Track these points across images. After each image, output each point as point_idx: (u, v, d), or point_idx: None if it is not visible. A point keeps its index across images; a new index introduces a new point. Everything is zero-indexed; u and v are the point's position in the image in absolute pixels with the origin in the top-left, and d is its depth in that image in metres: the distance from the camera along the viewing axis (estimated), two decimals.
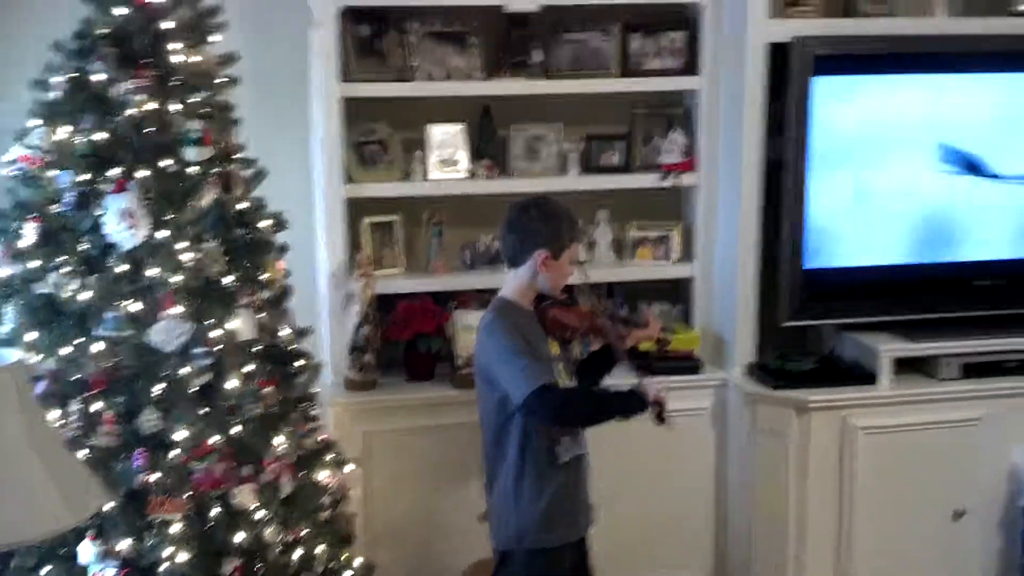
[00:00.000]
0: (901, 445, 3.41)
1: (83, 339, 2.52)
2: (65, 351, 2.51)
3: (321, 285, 3.51)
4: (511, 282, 2.78)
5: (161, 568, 2.38)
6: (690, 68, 3.62)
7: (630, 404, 2.67)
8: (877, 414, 3.39)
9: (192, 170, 2.63)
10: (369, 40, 3.47)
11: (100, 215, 2.53)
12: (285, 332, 2.89)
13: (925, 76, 3.42)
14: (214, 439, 2.52)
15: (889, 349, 3.43)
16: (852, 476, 3.39)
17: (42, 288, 2.54)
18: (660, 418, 2.65)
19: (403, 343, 3.48)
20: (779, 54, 3.35)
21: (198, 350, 2.54)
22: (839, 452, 3.39)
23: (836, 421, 3.37)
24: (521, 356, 2.60)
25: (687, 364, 3.53)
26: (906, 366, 3.48)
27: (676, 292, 3.82)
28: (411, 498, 3.37)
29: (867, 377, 3.44)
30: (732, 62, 3.46)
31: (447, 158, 3.55)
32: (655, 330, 2.96)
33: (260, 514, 2.56)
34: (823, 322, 3.63)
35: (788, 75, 3.33)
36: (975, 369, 3.47)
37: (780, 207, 3.41)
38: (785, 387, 3.39)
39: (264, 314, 2.78)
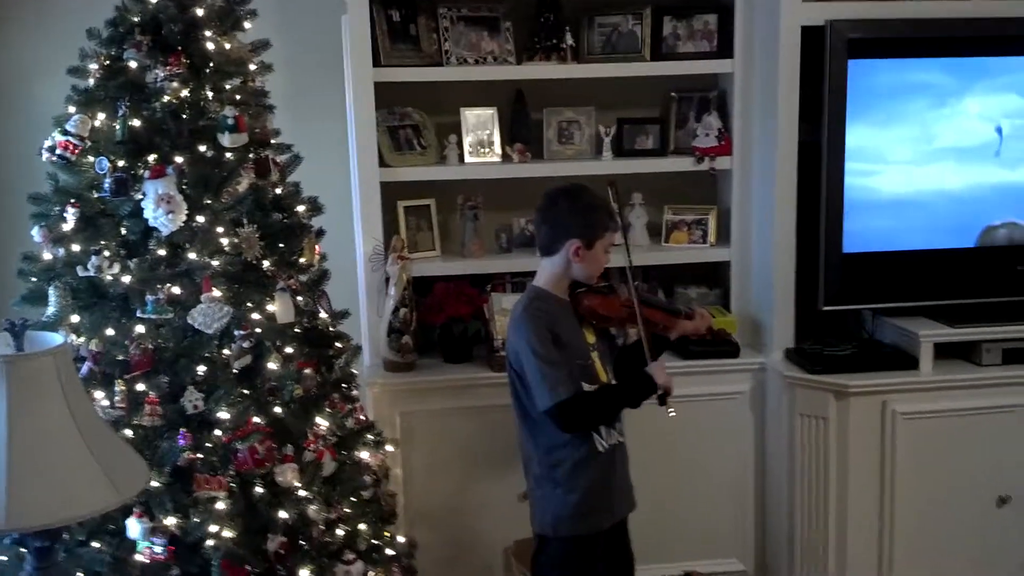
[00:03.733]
0: (943, 431, 3.35)
1: (125, 321, 2.53)
2: (108, 333, 2.53)
3: (359, 268, 3.52)
4: (545, 271, 2.74)
5: (207, 544, 2.39)
6: (723, 51, 3.58)
7: (641, 391, 2.68)
8: (918, 399, 3.34)
9: (228, 156, 2.63)
10: (401, 25, 3.47)
11: (139, 200, 2.53)
12: (323, 315, 2.89)
13: (961, 59, 3.36)
14: (256, 419, 2.52)
15: (929, 334, 3.38)
16: (893, 461, 3.35)
17: (84, 271, 2.55)
18: (662, 401, 2.67)
19: (439, 326, 3.47)
20: (812, 37, 3.31)
21: (238, 332, 2.54)
22: (879, 437, 3.34)
23: (876, 406, 3.32)
24: (544, 361, 2.57)
25: (726, 348, 3.49)
26: (947, 352, 3.42)
27: (713, 276, 3.80)
28: (450, 477, 3.37)
29: (907, 362, 3.39)
30: (766, 45, 3.43)
31: (481, 142, 3.55)
32: (704, 324, 2.88)
33: (303, 492, 2.57)
34: (862, 307, 3.59)
35: (823, 58, 3.28)
36: (1017, 355, 3.40)
37: (817, 190, 3.37)
38: (824, 371, 3.35)
39: (302, 297, 2.79)
